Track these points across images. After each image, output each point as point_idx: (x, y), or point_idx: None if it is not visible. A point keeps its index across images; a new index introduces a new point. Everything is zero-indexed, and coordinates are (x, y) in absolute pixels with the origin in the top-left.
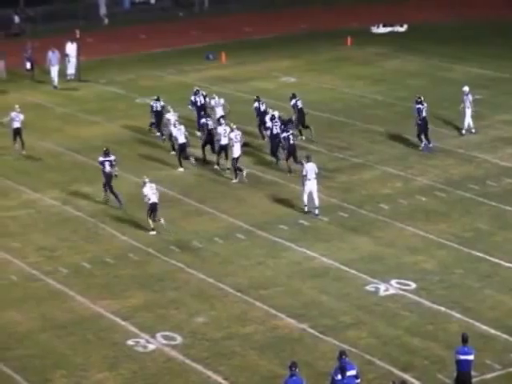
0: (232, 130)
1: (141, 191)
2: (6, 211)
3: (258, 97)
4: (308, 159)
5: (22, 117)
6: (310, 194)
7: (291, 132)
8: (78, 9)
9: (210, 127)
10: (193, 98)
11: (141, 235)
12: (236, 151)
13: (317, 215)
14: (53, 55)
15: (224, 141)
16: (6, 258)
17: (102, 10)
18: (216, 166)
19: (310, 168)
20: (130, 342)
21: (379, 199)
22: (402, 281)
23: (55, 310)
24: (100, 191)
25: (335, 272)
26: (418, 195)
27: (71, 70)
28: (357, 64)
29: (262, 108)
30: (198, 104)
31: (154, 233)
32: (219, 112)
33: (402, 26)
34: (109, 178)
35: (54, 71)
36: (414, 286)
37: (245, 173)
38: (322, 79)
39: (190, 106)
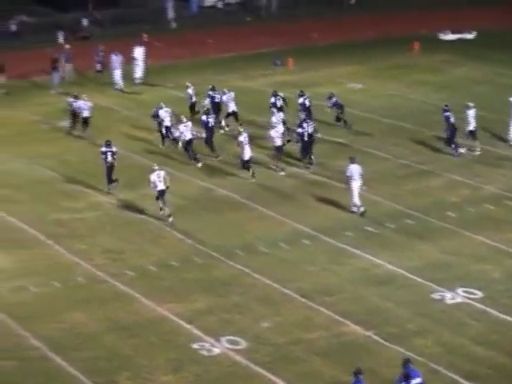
0: (240, 133)
1: (148, 178)
2: (73, 213)
3: (302, 91)
4: (352, 160)
5: (89, 104)
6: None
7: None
8: (146, 12)
9: (210, 125)
10: (210, 92)
11: (206, 239)
12: (247, 153)
13: (362, 213)
14: (116, 59)
15: (279, 142)
16: (73, 259)
17: (170, 14)
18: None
19: (355, 169)
20: (195, 346)
21: (446, 207)
22: (468, 289)
23: (120, 311)
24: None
25: (401, 279)
26: (485, 203)
27: (138, 73)
28: (423, 71)
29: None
30: (215, 100)
31: (171, 219)
32: (231, 107)
33: (470, 32)
34: (110, 167)
35: (117, 74)
36: (480, 294)
37: (251, 172)
38: (388, 85)
39: (206, 102)
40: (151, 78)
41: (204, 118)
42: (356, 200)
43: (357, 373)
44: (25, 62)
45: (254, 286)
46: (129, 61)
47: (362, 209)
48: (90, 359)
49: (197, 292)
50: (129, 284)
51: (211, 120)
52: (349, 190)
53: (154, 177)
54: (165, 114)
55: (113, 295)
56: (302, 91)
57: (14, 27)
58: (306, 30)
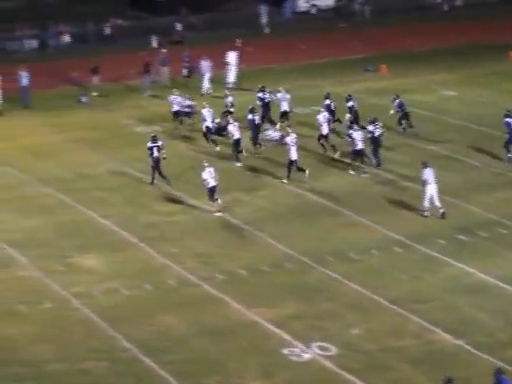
0: (288, 134)
1: (200, 176)
2: (165, 216)
3: (350, 95)
4: (425, 165)
5: (189, 103)
6: (431, 199)
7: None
8: (239, 17)
9: (256, 122)
10: (260, 94)
11: (297, 244)
12: (293, 154)
13: (443, 214)
14: (205, 64)
15: (360, 146)
16: (164, 262)
17: (264, 19)
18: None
19: (430, 172)
20: (285, 351)
21: None
22: None
23: (211, 315)
24: (256, 198)
25: (493, 288)
26: None
27: (231, 78)
28: None
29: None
30: (266, 101)
31: (219, 214)
32: (284, 106)
33: None
34: (157, 162)
35: (205, 79)
36: None
37: (307, 172)
38: (481, 93)
39: (258, 102)
40: (244, 82)
41: (250, 116)
42: (427, 204)
43: (447, 382)
44: (118, 64)
45: (344, 292)
46: (221, 65)
47: (441, 210)
48: (180, 362)
49: (287, 297)
50: (219, 288)
51: (257, 118)
52: (423, 193)
53: (206, 174)
54: (207, 114)
55: (203, 299)
56: (349, 95)
57: (108, 30)
58: (398, 36)
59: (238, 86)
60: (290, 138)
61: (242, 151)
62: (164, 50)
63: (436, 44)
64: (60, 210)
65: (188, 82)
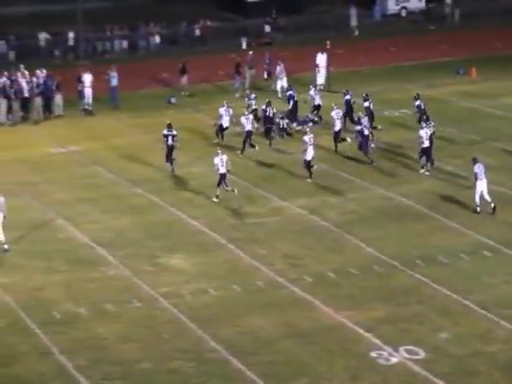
0: (306, 133)
1: (213, 161)
2: (254, 218)
3: (418, 94)
4: (475, 160)
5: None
6: (482, 194)
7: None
8: (329, 20)
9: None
10: (291, 92)
11: (386, 248)
12: (309, 153)
13: (494, 209)
14: (279, 69)
15: (426, 143)
16: (253, 264)
17: (353, 21)
18: None
19: (480, 168)
20: (373, 354)
21: None
22: None
23: (299, 317)
24: (345, 200)
25: None
26: None
27: (321, 80)
28: None
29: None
30: (295, 99)
31: (216, 200)
32: (317, 101)
33: None
34: (171, 149)
35: (279, 84)
36: None
37: (315, 166)
38: None
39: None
40: (333, 84)
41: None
42: (477, 200)
43: None
44: (208, 66)
45: (433, 296)
46: (310, 68)
47: (492, 205)
48: (267, 364)
49: (375, 300)
50: (308, 290)
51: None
52: (475, 188)
53: (217, 160)
54: (224, 113)
55: (291, 301)
56: (366, 94)
57: (198, 32)
58: (488, 39)
59: (327, 88)
60: (308, 137)
61: (254, 146)
62: (250, 53)
63: None
64: (149, 210)
65: (267, 84)
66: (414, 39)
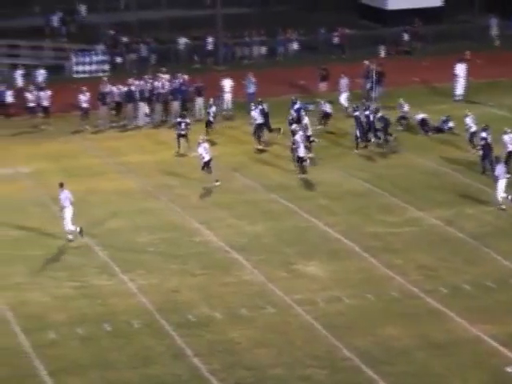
0: (297, 133)
1: (197, 151)
2: (389, 227)
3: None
4: (498, 160)
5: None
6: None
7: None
8: (469, 29)
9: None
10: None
11: None
12: (301, 151)
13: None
14: (343, 81)
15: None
16: (388, 273)
17: (493, 32)
18: None
19: (501, 168)
20: (509, 369)
21: None
22: None
23: (433, 329)
24: (482, 212)
25: None
26: None
27: (459, 90)
28: None
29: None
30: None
31: (218, 183)
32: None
33: None
34: (179, 136)
35: (343, 98)
36: None
37: (308, 161)
38: None
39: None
40: (472, 95)
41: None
42: (500, 198)
43: None
44: (346, 74)
45: None
46: (449, 77)
47: (509, 197)
48: (400, 374)
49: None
50: (442, 301)
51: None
52: (495, 188)
53: (201, 150)
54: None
55: (426, 311)
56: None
57: (336, 39)
58: None
59: (466, 99)
60: (299, 135)
61: (260, 137)
62: (370, 64)
63: None
64: (284, 216)
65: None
66: None
